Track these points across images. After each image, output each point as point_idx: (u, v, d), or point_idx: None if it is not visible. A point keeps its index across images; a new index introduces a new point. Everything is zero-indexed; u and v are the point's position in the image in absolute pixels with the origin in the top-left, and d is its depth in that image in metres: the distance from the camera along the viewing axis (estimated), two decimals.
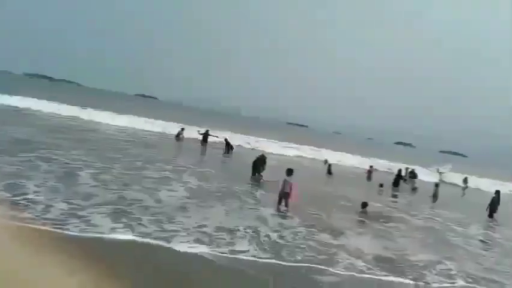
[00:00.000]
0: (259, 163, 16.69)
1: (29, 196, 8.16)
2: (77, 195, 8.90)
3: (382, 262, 8.25)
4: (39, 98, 34.51)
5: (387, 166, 33.61)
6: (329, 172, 23.53)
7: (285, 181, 11.65)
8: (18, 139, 15.19)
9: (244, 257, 7.05)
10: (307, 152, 34.94)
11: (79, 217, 7.46)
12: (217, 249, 7.14)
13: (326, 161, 24.23)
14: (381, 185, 21.08)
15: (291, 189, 11.55)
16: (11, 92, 34.26)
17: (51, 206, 7.80)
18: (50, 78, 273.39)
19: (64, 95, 55.20)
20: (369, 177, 25.18)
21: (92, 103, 40.80)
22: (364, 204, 13.51)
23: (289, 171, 11.87)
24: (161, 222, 8.09)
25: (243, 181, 15.13)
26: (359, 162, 33.73)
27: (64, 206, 7.97)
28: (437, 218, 15.08)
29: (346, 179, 23.51)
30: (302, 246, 8.34)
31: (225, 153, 24.06)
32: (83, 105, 34.91)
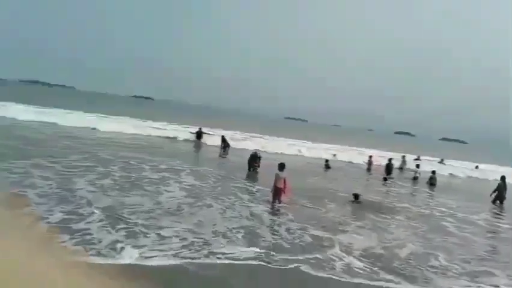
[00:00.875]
0: (253, 159, 17.32)
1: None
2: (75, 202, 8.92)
3: (374, 259, 7.97)
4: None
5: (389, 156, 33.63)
6: (327, 167, 23.39)
7: (277, 176, 11.55)
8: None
9: (228, 261, 6.83)
10: (307, 146, 34.60)
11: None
12: (200, 254, 6.94)
13: (326, 160, 24.02)
14: (385, 179, 20.89)
15: (284, 184, 11.44)
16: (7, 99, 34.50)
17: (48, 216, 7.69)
18: (48, 84, 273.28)
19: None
20: (368, 169, 25.11)
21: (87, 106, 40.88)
22: (356, 196, 13.50)
23: (281, 166, 11.76)
24: (157, 228, 8.00)
25: (239, 177, 15.34)
26: (360, 154, 33.42)
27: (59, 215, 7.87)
28: (436, 207, 15.08)
29: (346, 172, 23.45)
30: (295, 243, 8.25)
31: (222, 151, 24.08)
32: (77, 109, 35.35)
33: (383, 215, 12.23)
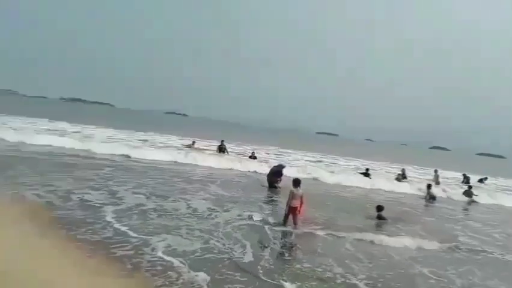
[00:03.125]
0: (274, 175, 16.02)
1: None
2: None
3: None
4: None
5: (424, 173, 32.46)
6: (366, 175, 22.64)
7: (292, 193, 10.21)
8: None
9: None
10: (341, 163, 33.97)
11: None
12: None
13: (366, 169, 23.45)
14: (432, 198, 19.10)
15: (301, 202, 10.22)
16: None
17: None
18: (84, 101, 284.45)
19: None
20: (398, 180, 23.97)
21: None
22: (379, 208, 12.52)
23: (296, 182, 10.44)
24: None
25: (260, 192, 15.11)
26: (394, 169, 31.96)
27: None
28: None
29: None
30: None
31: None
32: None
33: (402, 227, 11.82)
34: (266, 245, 8.55)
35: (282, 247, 8.66)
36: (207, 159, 21.43)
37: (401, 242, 10.05)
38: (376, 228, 11.47)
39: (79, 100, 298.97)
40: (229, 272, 6.61)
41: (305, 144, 58.82)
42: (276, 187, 15.65)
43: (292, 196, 10.17)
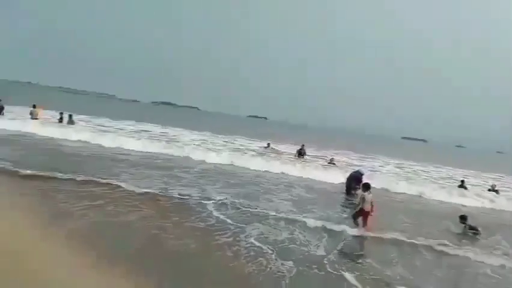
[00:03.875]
0: (351, 180, 15.85)
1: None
2: None
3: None
4: None
5: None
6: (462, 186, 21.69)
7: (362, 198, 10.51)
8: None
9: None
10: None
11: None
12: None
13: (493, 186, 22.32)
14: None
15: (372, 206, 10.45)
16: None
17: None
18: (174, 105, 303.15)
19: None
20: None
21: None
22: (463, 217, 12.23)
23: (367, 186, 10.78)
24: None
25: (338, 197, 15.76)
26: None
27: None
28: None
29: None
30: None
31: None
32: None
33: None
34: (337, 242, 9.35)
35: (350, 246, 9.41)
36: (286, 165, 21.54)
37: (486, 255, 9.75)
38: (457, 238, 11.34)
39: (169, 104, 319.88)
40: (306, 264, 7.53)
41: (391, 150, 56.88)
42: (353, 194, 15.29)
43: (362, 200, 10.49)
